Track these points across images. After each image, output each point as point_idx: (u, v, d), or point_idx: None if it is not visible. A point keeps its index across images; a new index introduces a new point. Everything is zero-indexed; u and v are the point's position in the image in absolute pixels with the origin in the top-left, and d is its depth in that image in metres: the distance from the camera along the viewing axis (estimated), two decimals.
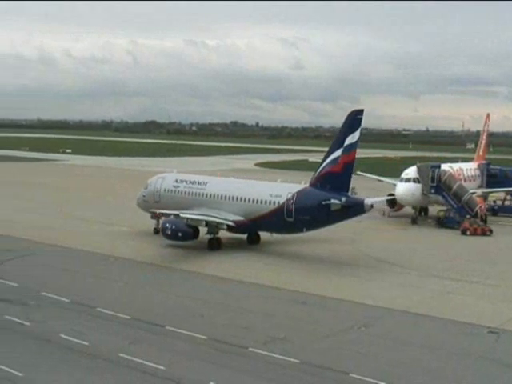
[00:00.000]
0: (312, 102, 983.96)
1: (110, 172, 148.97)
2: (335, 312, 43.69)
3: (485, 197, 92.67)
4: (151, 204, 68.93)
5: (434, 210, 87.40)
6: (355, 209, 57.73)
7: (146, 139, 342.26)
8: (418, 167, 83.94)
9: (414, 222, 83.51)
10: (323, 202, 57.48)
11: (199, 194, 67.35)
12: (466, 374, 33.33)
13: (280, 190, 62.69)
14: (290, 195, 60.26)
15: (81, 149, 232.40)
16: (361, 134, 57.53)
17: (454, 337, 39.15)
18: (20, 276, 50.67)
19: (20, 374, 31.43)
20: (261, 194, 63.01)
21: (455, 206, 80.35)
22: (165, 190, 69.84)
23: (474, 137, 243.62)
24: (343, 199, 56.84)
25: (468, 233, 75.23)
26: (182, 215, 60.94)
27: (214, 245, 62.91)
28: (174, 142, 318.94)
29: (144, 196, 71.39)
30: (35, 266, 54.94)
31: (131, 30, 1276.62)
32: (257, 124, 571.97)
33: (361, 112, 57.60)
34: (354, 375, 32.14)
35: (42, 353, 34.60)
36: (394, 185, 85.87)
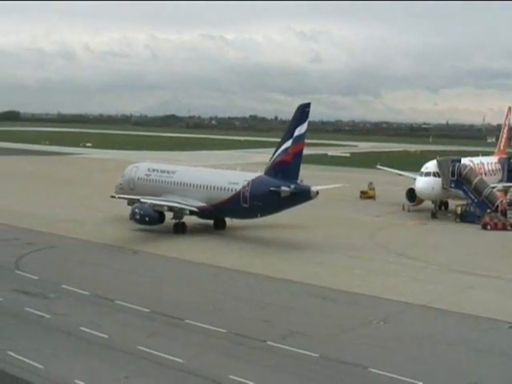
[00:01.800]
0: (331, 96, 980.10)
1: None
2: (354, 306, 43.56)
3: (505, 191, 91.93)
4: (127, 191, 74.03)
5: (454, 204, 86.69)
6: (302, 195, 61.68)
7: (166, 133, 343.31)
8: (438, 161, 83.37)
9: (433, 216, 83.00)
10: (274, 189, 61.24)
11: (168, 182, 72.18)
12: (485, 369, 33.14)
13: (237, 177, 67.08)
14: (245, 183, 64.41)
15: (101, 143, 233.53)
16: (308, 125, 62.24)
17: (474, 332, 38.90)
18: (41, 269, 51.16)
19: (41, 367, 31.70)
20: (221, 181, 67.47)
21: (475, 200, 79.67)
22: (138, 179, 75.18)
23: (495, 131, 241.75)
24: (292, 186, 60.95)
25: (488, 227, 74.56)
26: (142, 200, 65.57)
27: (179, 229, 67.08)
28: (193, 135, 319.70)
29: (121, 184, 76.61)
30: (55, 259, 55.46)
31: (149, 25, 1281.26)
32: (276, 118, 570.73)
33: (308, 105, 62.06)
34: (373, 370, 32.05)
35: (63, 345, 34.88)
36: (414, 179, 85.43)
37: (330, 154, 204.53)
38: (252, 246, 62.33)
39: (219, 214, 68.62)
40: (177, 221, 67.48)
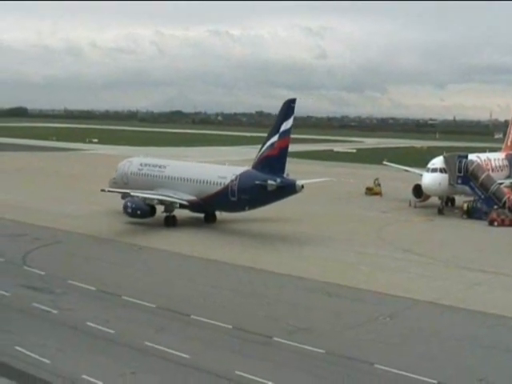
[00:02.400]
0: (337, 92, 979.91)
1: None
2: (360, 302, 43.52)
3: None
4: (120, 186, 75.19)
5: (460, 200, 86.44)
6: (288, 189, 62.99)
7: (172, 129, 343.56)
8: (444, 157, 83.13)
9: (440, 212, 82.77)
10: (261, 183, 62.64)
11: (160, 176, 73.52)
12: (492, 365, 33.05)
13: (226, 172, 68.50)
14: (233, 177, 65.73)
15: (107, 139, 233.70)
16: (294, 120, 63.24)
17: (481, 328, 38.80)
18: (47, 264, 51.30)
19: (47, 361, 31.81)
20: (210, 175, 68.86)
21: (482, 196, 79.45)
22: (131, 173, 76.73)
23: (502, 127, 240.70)
24: (278, 180, 62.27)
25: (495, 224, 74.25)
26: (132, 194, 67.15)
27: (170, 222, 68.45)
28: (199, 131, 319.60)
29: (114, 178, 78.00)
30: (62, 255, 55.62)
31: (155, 21, 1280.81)
32: None
33: (293, 101, 63.19)
34: (380, 366, 32.01)
35: (69, 340, 34.97)
36: (421, 175, 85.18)
37: (336, 149, 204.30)
38: (257, 242, 62.38)
39: (208, 208, 69.92)
40: (168, 214, 68.65)
